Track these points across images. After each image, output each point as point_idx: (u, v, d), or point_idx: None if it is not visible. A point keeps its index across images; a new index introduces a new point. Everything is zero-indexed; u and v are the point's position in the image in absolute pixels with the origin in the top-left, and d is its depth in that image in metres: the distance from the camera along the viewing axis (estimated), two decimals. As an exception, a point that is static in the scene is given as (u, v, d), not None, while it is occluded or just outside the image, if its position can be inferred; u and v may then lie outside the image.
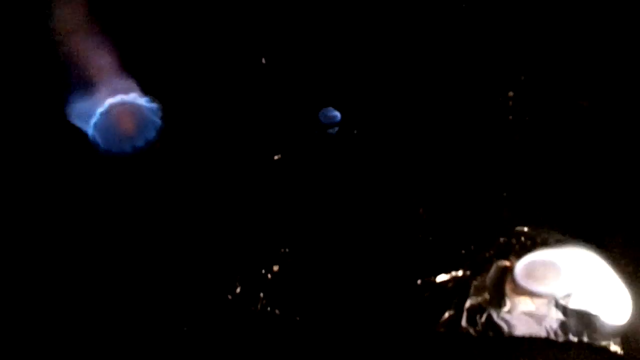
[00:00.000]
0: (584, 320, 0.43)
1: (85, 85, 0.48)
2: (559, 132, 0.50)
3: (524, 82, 0.52)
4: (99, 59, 0.48)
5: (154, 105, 0.49)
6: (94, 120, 0.48)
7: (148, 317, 0.42)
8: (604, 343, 0.42)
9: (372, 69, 0.53)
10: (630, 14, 0.52)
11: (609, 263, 0.44)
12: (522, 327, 0.43)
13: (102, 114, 0.48)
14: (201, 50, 0.52)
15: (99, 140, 0.48)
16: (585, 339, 0.42)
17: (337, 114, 0.51)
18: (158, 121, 0.48)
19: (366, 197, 0.48)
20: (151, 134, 0.48)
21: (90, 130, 0.48)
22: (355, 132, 0.50)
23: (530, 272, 0.44)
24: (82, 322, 0.43)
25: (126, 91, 0.49)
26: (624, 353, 0.41)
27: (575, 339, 0.42)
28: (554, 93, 0.51)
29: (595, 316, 0.43)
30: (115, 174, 0.47)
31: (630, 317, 0.42)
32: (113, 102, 0.48)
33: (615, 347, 0.42)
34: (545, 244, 0.45)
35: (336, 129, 0.51)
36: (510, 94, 0.52)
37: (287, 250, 0.45)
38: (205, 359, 0.42)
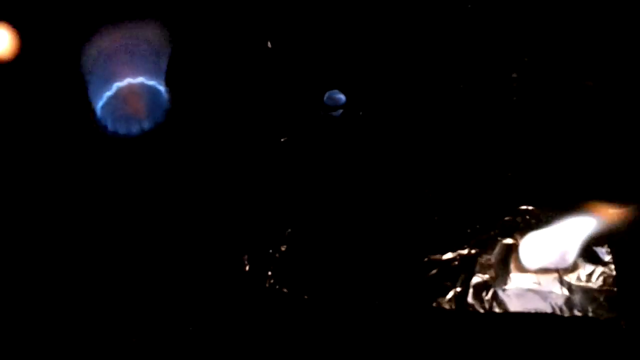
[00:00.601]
0: (588, 295, 0.43)
1: (93, 68, 0.48)
2: (562, 112, 0.50)
3: (527, 64, 0.52)
4: (107, 42, 0.48)
5: (162, 88, 0.49)
6: (101, 102, 0.48)
7: (162, 295, 0.43)
8: (608, 316, 0.42)
9: (377, 51, 0.53)
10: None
11: (609, 238, 0.44)
12: (527, 304, 0.43)
13: (109, 97, 0.48)
14: (207, 35, 0.52)
15: (106, 122, 0.48)
16: (590, 314, 0.43)
17: (342, 97, 0.51)
18: (166, 104, 0.48)
19: (372, 178, 0.48)
20: (159, 116, 0.48)
21: (98, 112, 0.48)
22: (360, 113, 0.51)
23: (535, 250, 0.45)
24: (97, 302, 0.43)
25: (134, 75, 0.49)
26: (627, 326, 0.42)
27: (580, 314, 0.43)
28: (557, 74, 0.51)
29: (599, 290, 0.43)
30: (124, 155, 0.48)
31: (633, 291, 0.43)
32: (121, 86, 0.49)
33: (619, 320, 0.42)
34: (549, 222, 0.46)
35: (341, 111, 0.51)
36: (514, 75, 0.52)
37: (294, 230, 0.46)
38: (217, 334, 0.43)
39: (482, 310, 0.43)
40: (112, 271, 0.45)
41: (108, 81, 0.49)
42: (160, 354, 0.43)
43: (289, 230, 0.46)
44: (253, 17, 0.53)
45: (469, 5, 0.53)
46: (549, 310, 0.43)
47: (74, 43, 0.49)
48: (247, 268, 0.44)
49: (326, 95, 0.51)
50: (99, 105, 0.48)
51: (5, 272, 0.45)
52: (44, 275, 0.45)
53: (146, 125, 0.48)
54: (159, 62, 0.50)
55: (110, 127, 0.48)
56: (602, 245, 0.45)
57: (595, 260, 0.44)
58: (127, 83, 0.49)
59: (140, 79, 0.49)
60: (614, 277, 0.44)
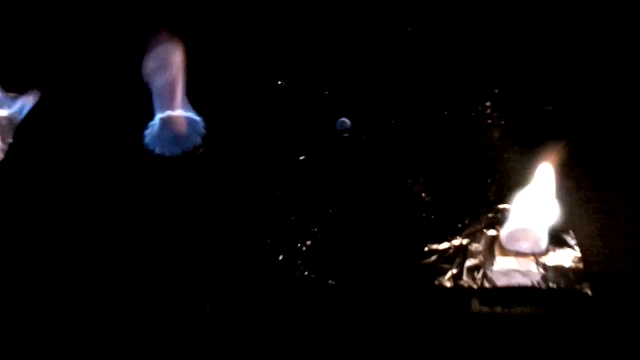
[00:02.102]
0: (560, 272, 0.53)
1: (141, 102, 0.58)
2: (527, 131, 0.61)
3: (498, 94, 0.64)
4: (154, 81, 0.58)
5: (197, 117, 0.58)
6: (147, 130, 0.58)
7: (209, 280, 0.51)
8: (577, 287, 0.52)
9: (375, 87, 0.64)
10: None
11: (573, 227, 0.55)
12: (511, 280, 0.53)
13: (154, 125, 0.58)
14: (233, 75, 0.63)
15: (153, 146, 0.57)
16: (562, 286, 0.52)
17: (349, 122, 0.62)
18: (202, 130, 0.58)
19: (377, 186, 0.58)
20: (197, 140, 0.58)
21: (145, 138, 0.57)
22: (364, 136, 0.61)
23: (513, 238, 0.55)
24: (138, 286, 0.51)
25: (173, 108, 0.59)
26: (593, 294, 0.52)
27: (554, 286, 0.52)
28: (522, 101, 0.63)
29: (568, 268, 0.53)
30: (169, 172, 0.57)
31: (597, 265, 0.53)
32: (163, 116, 0.58)
33: (586, 290, 0.52)
34: (523, 217, 0.56)
35: (347, 134, 0.61)
36: (488, 103, 0.64)
37: (318, 228, 0.55)
38: (254, 316, 0.51)
39: (475, 286, 0.53)
40: (164, 264, 0.53)
41: (153, 112, 0.58)
42: (199, 337, 0.51)
43: (314, 228, 0.55)
44: (274, 61, 0.63)
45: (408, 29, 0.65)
46: (529, 284, 0.53)
47: (124, 80, 0.59)
48: (280, 258, 0.53)
49: (337, 121, 0.62)
50: (146, 132, 0.58)
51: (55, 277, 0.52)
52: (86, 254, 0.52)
53: (185, 147, 0.58)
54: (193, 97, 0.60)
55: (155, 149, 0.57)
56: (567, 232, 0.55)
57: (563, 244, 0.55)
58: (167, 114, 0.58)
59: (179, 111, 0.58)
60: (579, 257, 0.54)
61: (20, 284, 0.52)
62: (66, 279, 0.52)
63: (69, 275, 0.52)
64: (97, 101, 0.61)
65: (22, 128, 0.59)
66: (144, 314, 0.51)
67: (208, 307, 0.50)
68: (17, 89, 0.61)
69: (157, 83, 0.57)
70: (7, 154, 0.58)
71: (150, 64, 0.55)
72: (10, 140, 0.58)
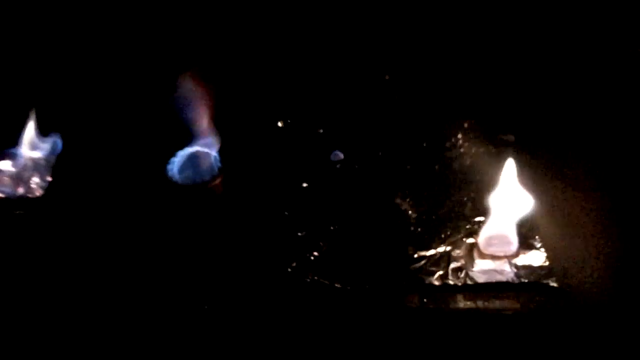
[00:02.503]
0: (529, 269, 0.63)
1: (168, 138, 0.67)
2: (493, 157, 0.72)
3: (467, 129, 0.75)
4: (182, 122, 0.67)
5: (213, 153, 0.68)
6: (170, 164, 0.67)
7: (228, 286, 0.60)
8: (545, 281, 0.62)
9: (363, 126, 0.75)
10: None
11: (538, 233, 0.65)
12: (489, 278, 0.62)
13: (176, 160, 0.67)
14: (246, 117, 0.73)
15: (175, 177, 0.66)
16: (532, 280, 0.62)
17: (341, 154, 0.72)
18: (218, 163, 0.67)
19: (370, 205, 0.68)
20: (214, 171, 0.67)
21: (169, 170, 0.66)
22: (355, 165, 0.71)
23: (489, 244, 0.64)
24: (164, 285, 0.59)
25: (192, 145, 0.68)
26: (558, 285, 0.61)
27: (526, 281, 0.62)
28: (487, 134, 0.74)
29: (536, 266, 0.63)
30: (189, 198, 0.66)
31: (561, 262, 0.63)
32: (183, 152, 0.68)
33: (553, 283, 0.62)
34: (497, 227, 0.66)
35: (340, 164, 0.71)
36: (460, 136, 0.74)
37: (321, 242, 0.64)
38: (270, 319, 0.59)
39: (459, 284, 0.62)
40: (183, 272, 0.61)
41: (175, 149, 0.68)
42: (216, 338, 0.58)
43: (320, 242, 0.64)
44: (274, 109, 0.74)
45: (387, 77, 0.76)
46: (504, 280, 0.62)
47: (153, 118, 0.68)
48: (293, 265, 0.61)
49: (332, 154, 0.72)
50: (168, 165, 0.67)
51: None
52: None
53: (204, 178, 0.67)
54: (209, 137, 0.69)
55: (178, 179, 0.66)
56: (534, 237, 0.65)
57: (531, 247, 0.64)
58: (191, 150, 0.67)
59: (197, 148, 0.68)
60: (545, 257, 0.63)
61: (58, 303, 0.60)
62: (98, 286, 0.60)
63: (101, 283, 0.60)
64: (128, 136, 0.70)
65: (58, 166, 0.68)
66: (166, 321, 0.59)
67: (228, 309, 0.58)
68: (49, 129, 0.69)
69: (183, 123, 0.66)
70: (47, 190, 0.66)
71: (178, 106, 0.65)
72: (50, 178, 0.67)
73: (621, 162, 0.70)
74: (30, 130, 0.67)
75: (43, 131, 0.68)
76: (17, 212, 0.63)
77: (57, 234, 0.63)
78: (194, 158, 0.67)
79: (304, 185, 0.69)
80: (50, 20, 0.81)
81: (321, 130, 0.75)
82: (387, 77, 0.82)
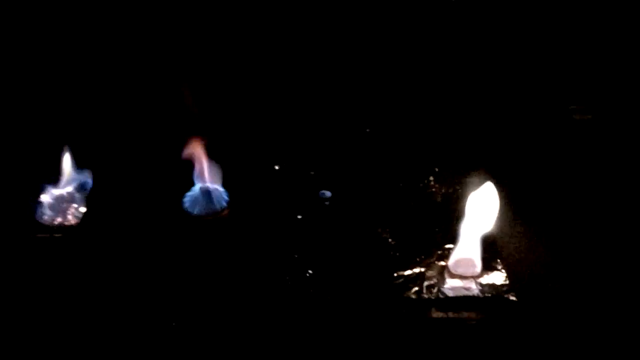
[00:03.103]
0: (492, 286, 0.74)
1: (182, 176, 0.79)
2: (458, 195, 0.84)
3: (438, 172, 0.88)
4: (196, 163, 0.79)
5: (223, 190, 0.79)
6: (185, 198, 0.78)
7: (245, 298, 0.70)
8: (505, 295, 0.73)
9: (346, 170, 0.87)
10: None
11: (499, 256, 0.76)
12: (458, 292, 0.73)
13: (190, 195, 0.78)
14: (248, 162, 0.85)
15: (190, 208, 0.77)
16: (494, 294, 0.73)
17: (329, 193, 0.84)
18: (226, 198, 0.79)
19: (354, 234, 0.79)
20: (223, 204, 0.78)
21: (184, 203, 0.78)
22: (341, 201, 0.83)
23: (457, 265, 0.76)
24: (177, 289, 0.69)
25: (204, 182, 0.80)
26: (517, 299, 0.72)
27: (489, 295, 0.73)
28: (454, 176, 0.87)
29: (498, 284, 0.74)
30: (203, 226, 0.77)
31: (520, 278, 0.74)
32: (195, 188, 0.79)
33: (512, 297, 0.73)
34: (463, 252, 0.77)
35: (328, 201, 0.83)
36: (432, 178, 0.87)
37: (315, 261, 0.75)
38: (269, 326, 0.69)
39: (433, 297, 0.73)
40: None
41: (189, 186, 0.79)
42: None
43: (314, 261, 0.75)
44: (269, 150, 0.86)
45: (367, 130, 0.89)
46: (471, 294, 0.73)
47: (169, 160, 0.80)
48: (289, 281, 0.72)
49: (320, 192, 0.84)
50: (184, 199, 0.78)
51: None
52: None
53: (214, 209, 0.78)
54: (217, 175, 0.80)
55: (192, 211, 0.77)
56: (496, 260, 0.76)
57: (493, 268, 0.76)
58: (200, 187, 0.79)
59: (207, 185, 0.79)
60: (505, 276, 0.75)
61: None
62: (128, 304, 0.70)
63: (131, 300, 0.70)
64: (150, 175, 0.82)
65: (90, 198, 0.79)
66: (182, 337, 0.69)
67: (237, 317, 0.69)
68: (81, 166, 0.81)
69: (197, 164, 0.78)
70: (82, 220, 0.77)
71: (191, 152, 0.77)
72: (84, 209, 0.77)
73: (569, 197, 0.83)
74: (65, 166, 0.77)
75: (76, 167, 0.79)
76: (56, 235, 0.73)
77: (88, 255, 0.73)
78: (205, 193, 0.78)
79: (299, 217, 0.81)
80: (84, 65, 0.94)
81: (312, 173, 0.87)
82: (367, 130, 0.95)
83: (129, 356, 0.66)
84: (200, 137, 0.78)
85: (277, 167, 0.87)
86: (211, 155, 0.81)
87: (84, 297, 0.70)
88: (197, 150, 0.79)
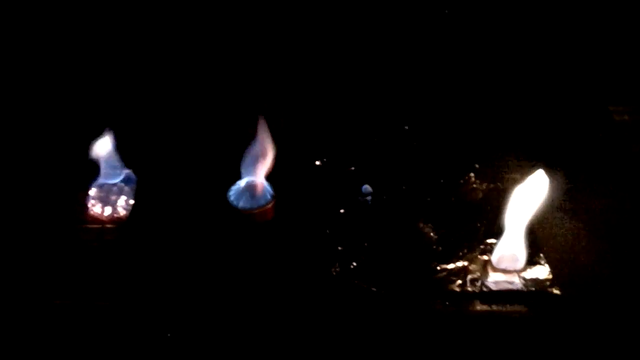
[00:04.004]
0: (535, 281, 0.74)
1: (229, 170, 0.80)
2: (500, 191, 0.85)
3: (478, 169, 0.88)
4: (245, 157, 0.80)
5: (265, 183, 0.81)
6: (231, 192, 0.80)
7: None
8: (549, 290, 0.73)
9: (389, 166, 0.88)
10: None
11: (543, 251, 0.77)
12: (501, 286, 0.74)
13: (236, 189, 0.80)
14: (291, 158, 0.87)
15: (236, 202, 0.79)
16: (538, 289, 0.73)
17: (370, 188, 0.85)
18: (271, 192, 0.80)
19: (397, 229, 0.80)
20: (267, 199, 0.80)
21: (230, 196, 0.79)
22: (384, 197, 0.84)
23: (501, 260, 0.76)
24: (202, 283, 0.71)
25: (249, 176, 0.81)
26: (561, 293, 0.73)
27: (533, 289, 0.73)
28: (495, 172, 0.87)
29: (542, 279, 0.74)
30: (248, 219, 0.78)
31: (564, 273, 0.74)
32: (242, 183, 0.81)
33: (556, 291, 0.73)
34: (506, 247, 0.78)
35: (370, 197, 0.84)
36: (472, 174, 0.88)
37: (360, 255, 0.76)
38: (315, 315, 0.70)
39: (476, 291, 0.73)
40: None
41: (236, 180, 0.81)
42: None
43: (358, 256, 0.76)
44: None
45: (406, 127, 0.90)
46: (514, 288, 0.73)
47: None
48: (338, 270, 0.73)
49: (362, 187, 0.85)
50: (230, 193, 0.80)
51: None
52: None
53: (260, 203, 0.79)
54: (262, 170, 0.82)
55: (238, 204, 0.79)
56: (539, 255, 0.77)
57: (537, 263, 0.76)
58: (246, 181, 0.80)
59: (252, 178, 0.81)
60: (549, 271, 0.75)
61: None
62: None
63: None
64: (196, 169, 0.84)
65: (139, 190, 0.81)
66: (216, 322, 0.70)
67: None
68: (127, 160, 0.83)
69: (246, 158, 0.79)
70: (131, 212, 0.78)
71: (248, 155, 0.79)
72: (133, 201, 0.79)
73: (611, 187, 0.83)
74: (110, 161, 0.79)
75: (122, 160, 0.81)
76: (108, 226, 0.76)
77: (138, 246, 0.75)
78: (250, 187, 0.79)
79: (341, 211, 0.82)
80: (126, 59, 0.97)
81: (353, 168, 0.88)
82: (406, 127, 0.96)
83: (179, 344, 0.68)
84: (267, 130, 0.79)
85: (318, 163, 0.88)
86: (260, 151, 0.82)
87: (133, 287, 0.72)
88: (262, 144, 0.80)
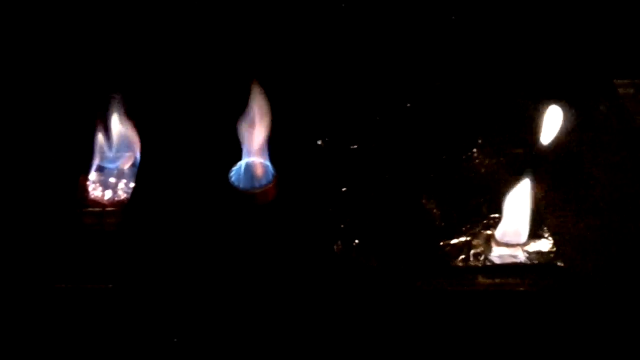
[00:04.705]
0: (539, 254, 0.74)
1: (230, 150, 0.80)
2: (503, 166, 0.84)
3: (481, 144, 0.88)
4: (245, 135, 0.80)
5: (268, 163, 0.80)
6: (232, 172, 0.79)
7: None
8: (553, 262, 0.73)
9: (393, 145, 0.88)
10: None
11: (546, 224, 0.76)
12: (505, 260, 0.73)
13: (237, 169, 0.80)
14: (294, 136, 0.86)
15: (237, 183, 0.79)
16: (542, 262, 0.73)
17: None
18: (272, 171, 0.80)
19: (401, 205, 0.80)
20: (268, 179, 0.79)
21: (231, 177, 0.79)
22: (386, 176, 0.84)
23: (504, 235, 0.76)
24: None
25: (250, 156, 0.80)
26: (565, 265, 0.72)
27: (536, 262, 0.73)
28: (498, 147, 0.86)
29: (545, 252, 0.74)
30: (250, 199, 0.78)
31: (568, 246, 0.74)
32: (242, 162, 0.80)
33: (560, 264, 0.72)
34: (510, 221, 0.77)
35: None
36: (475, 150, 0.87)
37: (362, 232, 0.76)
38: (318, 291, 0.70)
39: (480, 265, 0.73)
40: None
41: (236, 160, 0.80)
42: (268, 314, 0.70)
43: (361, 232, 0.76)
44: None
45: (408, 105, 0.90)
46: (518, 262, 0.73)
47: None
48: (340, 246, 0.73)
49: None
50: (231, 173, 0.79)
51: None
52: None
53: (261, 184, 0.79)
54: (264, 150, 0.81)
55: (238, 185, 0.79)
56: (542, 228, 0.76)
57: (540, 236, 0.75)
58: (246, 161, 0.80)
59: (253, 159, 0.80)
60: (552, 244, 0.74)
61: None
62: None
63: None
64: (196, 150, 0.84)
65: (140, 173, 0.80)
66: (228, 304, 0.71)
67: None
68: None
69: (245, 137, 0.79)
70: (132, 195, 0.78)
71: (242, 122, 0.78)
72: (133, 184, 0.79)
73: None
74: (114, 142, 0.79)
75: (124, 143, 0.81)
76: (108, 209, 0.76)
77: (139, 229, 0.76)
78: (251, 167, 0.79)
79: (343, 189, 0.81)
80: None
81: (355, 146, 0.88)
82: (408, 105, 0.95)
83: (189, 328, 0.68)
84: (260, 110, 0.78)
85: (319, 142, 0.88)
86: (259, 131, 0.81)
87: (135, 270, 0.72)
88: (255, 124, 0.79)
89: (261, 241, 0.75)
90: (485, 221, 0.78)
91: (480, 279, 0.72)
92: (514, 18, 1.04)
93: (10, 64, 0.97)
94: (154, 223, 0.77)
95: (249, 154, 0.80)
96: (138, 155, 0.81)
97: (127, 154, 0.80)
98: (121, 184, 0.78)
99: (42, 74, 0.97)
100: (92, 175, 0.79)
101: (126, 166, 0.80)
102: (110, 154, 0.79)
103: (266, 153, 0.80)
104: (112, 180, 0.79)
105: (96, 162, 0.79)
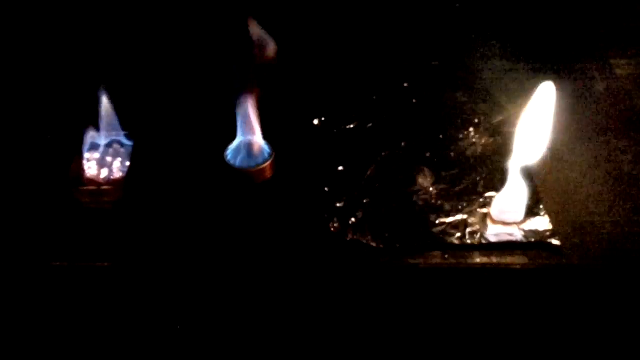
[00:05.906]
0: (535, 232, 0.74)
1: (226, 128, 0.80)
2: (500, 145, 0.84)
3: (477, 123, 0.87)
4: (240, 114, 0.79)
5: (262, 142, 0.80)
6: (229, 150, 0.79)
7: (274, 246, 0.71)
8: (548, 240, 0.73)
9: (392, 126, 0.87)
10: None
11: (542, 203, 0.76)
12: (500, 238, 0.73)
13: (233, 147, 0.79)
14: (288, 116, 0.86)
15: (233, 160, 0.78)
16: (537, 239, 0.73)
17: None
18: (268, 151, 0.80)
19: (398, 184, 0.80)
20: (264, 157, 0.79)
21: (227, 155, 0.79)
22: (382, 154, 0.83)
23: (499, 212, 0.76)
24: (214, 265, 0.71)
25: (246, 135, 0.80)
26: (560, 243, 0.72)
27: (532, 239, 0.73)
28: (493, 127, 0.86)
29: (541, 230, 0.74)
30: (246, 178, 0.78)
31: (563, 223, 0.74)
32: (237, 141, 0.80)
33: (555, 241, 0.73)
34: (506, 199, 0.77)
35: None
36: (471, 129, 0.87)
37: (358, 212, 0.76)
38: (314, 271, 0.70)
39: (475, 242, 0.73)
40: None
41: (233, 139, 0.80)
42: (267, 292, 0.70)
43: (357, 212, 0.76)
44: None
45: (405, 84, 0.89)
46: (513, 239, 0.73)
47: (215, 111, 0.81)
48: (336, 224, 0.73)
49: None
50: (227, 151, 0.79)
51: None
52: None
53: (257, 162, 0.79)
54: (259, 129, 0.81)
55: (235, 163, 0.78)
56: (538, 206, 0.76)
57: (536, 214, 0.76)
58: (242, 139, 0.80)
59: (249, 137, 0.80)
60: (548, 221, 0.75)
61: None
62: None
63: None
64: (192, 130, 0.83)
65: (135, 151, 0.80)
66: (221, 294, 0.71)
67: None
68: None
69: (240, 116, 0.79)
70: (127, 173, 0.78)
71: (237, 102, 0.78)
72: (128, 163, 0.79)
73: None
74: (107, 120, 0.79)
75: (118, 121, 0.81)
76: (104, 188, 0.75)
77: (135, 208, 0.76)
78: (247, 145, 0.79)
79: (340, 168, 0.81)
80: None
81: (352, 126, 0.87)
82: (405, 85, 0.95)
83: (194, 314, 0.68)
84: (253, 89, 0.78)
85: (316, 122, 0.88)
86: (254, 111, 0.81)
87: (131, 247, 0.72)
88: (247, 103, 0.79)
89: (258, 219, 0.75)
90: (481, 199, 0.78)
91: (476, 257, 0.73)
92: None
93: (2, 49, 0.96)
94: (151, 201, 0.77)
95: (245, 132, 0.79)
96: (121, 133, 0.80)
97: (114, 132, 0.80)
98: (116, 162, 0.78)
99: (35, 58, 0.96)
100: (87, 153, 0.78)
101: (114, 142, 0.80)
102: (99, 133, 0.79)
103: (261, 132, 0.80)
104: (108, 158, 0.78)
105: (88, 139, 0.78)
